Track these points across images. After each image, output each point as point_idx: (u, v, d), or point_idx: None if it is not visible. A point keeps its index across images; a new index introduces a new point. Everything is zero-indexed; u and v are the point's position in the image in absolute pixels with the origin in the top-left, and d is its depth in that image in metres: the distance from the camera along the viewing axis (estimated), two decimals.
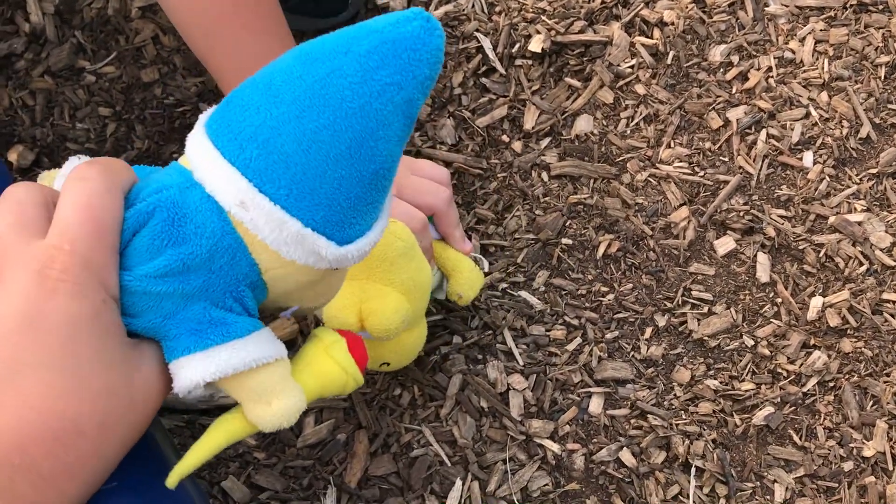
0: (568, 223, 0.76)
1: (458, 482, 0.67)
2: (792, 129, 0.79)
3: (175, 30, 0.83)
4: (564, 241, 0.75)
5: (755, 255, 0.74)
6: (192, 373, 0.37)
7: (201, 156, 0.38)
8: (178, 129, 0.80)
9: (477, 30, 0.83)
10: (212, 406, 0.68)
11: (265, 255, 0.38)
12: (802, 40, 0.82)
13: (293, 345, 0.70)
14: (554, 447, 0.68)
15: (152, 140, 0.79)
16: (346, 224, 0.38)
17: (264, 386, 0.39)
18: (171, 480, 0.38)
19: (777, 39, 0.82)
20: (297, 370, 0.42)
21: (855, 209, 0.76)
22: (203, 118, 0.39)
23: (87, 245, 0.37)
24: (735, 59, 0.81)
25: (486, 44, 0.82)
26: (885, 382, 0.70)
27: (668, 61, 0.81)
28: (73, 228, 0.37)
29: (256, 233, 0.38)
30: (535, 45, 0.81)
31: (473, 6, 0.84)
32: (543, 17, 0.83)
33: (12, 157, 0.77)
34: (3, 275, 0.36)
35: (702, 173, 0.77)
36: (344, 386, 0.43)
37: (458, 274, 0.68)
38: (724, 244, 0.75)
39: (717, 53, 0.81)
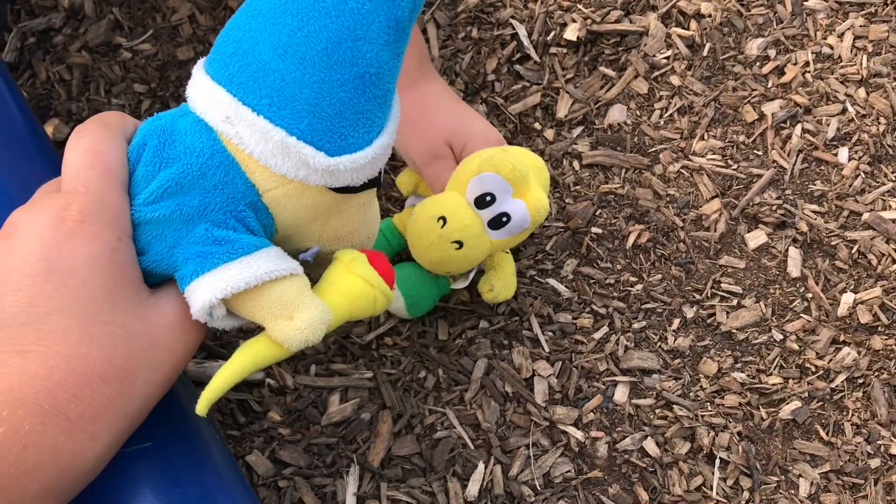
0: (598, 212, 0.76)
1: (481, 465, 0.67)
2: (828, 125, 0.78)
3: (211, 8, 0.84)
4: (594, 230, 0.75)
5: (786, 250, 0.74)
6: (204, 294, 0.37)
7: (193, 82, 0.39)
8: None
9: (512, 17, 0.83)
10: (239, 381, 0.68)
11: (259, 172, 0.38)
12: (841, 36, 0.81)
13: None
14: (577, 434, 0.68)
15: None
16: (334, 133, 0.37)
17: (283, 300, 0.38)
18: (201, 407, 0.39)
19: (815, 34, 0.81)
20: (321, 291, 0.41)
21: (889, 206, 0.75)
22: (203, 58, 0.40)
23: (99, 185, 0.38)
24: (772, 52, 0.81)
25: (522, 31, 0.82)
26: None
27: (705, 53, 0.81)
28: (83, 172, 0.38)
29: (244, 147, 0.37)
30: (571, 33, 0.81)
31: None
32: (580, 6, 0.82)
33: (48, 129, 0.78)
34: (23, 224, 0.37)
35: (735, 166, 0.77)
36: (374, 301, 0.41)
37: (501, 270, 0.68)
38: (756, 238, 0.74)
39: (753, 47, 0.81)
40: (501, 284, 0.68)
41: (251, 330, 0.41)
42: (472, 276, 0.69)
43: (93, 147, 0.39)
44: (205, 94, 0.38)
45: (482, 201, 0.61)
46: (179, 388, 0.44)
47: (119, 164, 0.39)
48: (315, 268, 0.43)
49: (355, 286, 0.41)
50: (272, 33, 0.36)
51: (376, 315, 0.42)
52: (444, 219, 0.62)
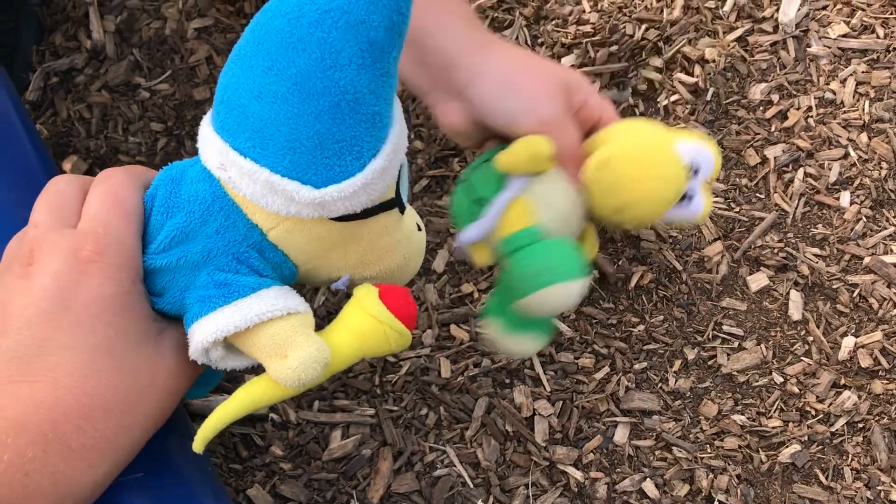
0: (600, 253, 0.77)
1: None
2: (830, 169, 0.79)
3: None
4: (596, 270, 0.76)
5: (788, 293, 0.74)
6: (199, 336, 0.39)
7: (201, 133, 0.40)
8: None
9: None
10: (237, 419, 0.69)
11: (257, 212, 0.39)
12: (843, 81, 0.82)
13: None
14: (577, 475, 0.68)
15: None
16: (318, 165, 0.37)
17: (276, 339, 0.38)
18: (197, 444, 0.39)
19: (818, 80, 0.82)
20: (332, 329, 0.41)
21: (891, 250, 0.75)
22: None
23: (117, 227, 0.40)
24: (775, 97, 0.82)
25: None
26: None
27: (708, 97, 0.82)
28: (103, 214, 0.40)
29: (237, 190, 0.38)
30: (567, 62, 0.83)
31: (517, 38, 0.86)
32: (584, 45, 0.84)
33: (66, 166, 0.81)
34: (40, 259, 0.39)
35: (737, 209, 0.78)
36: (385, 339, 0.40)
37: (587, 239, 0.61)
38: (758, 280, 0.75)
39: (757, 92, 0.82)
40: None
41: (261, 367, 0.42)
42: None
43: (115, 192, 0.41)
44: (204, 142, 0.40)
45: (691, 169, 0.55)
46: (174, 419, 0.46)
47: (137, 211, 0.41)
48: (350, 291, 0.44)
49: (364, 323, 0.40)
50: (248, 76, 0.37)
51: (397, 351, 0.42)
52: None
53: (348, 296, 0.43)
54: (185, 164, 0.42)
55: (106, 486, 0.39)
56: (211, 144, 0.39)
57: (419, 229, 0.46)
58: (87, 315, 0.38)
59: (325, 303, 0.75)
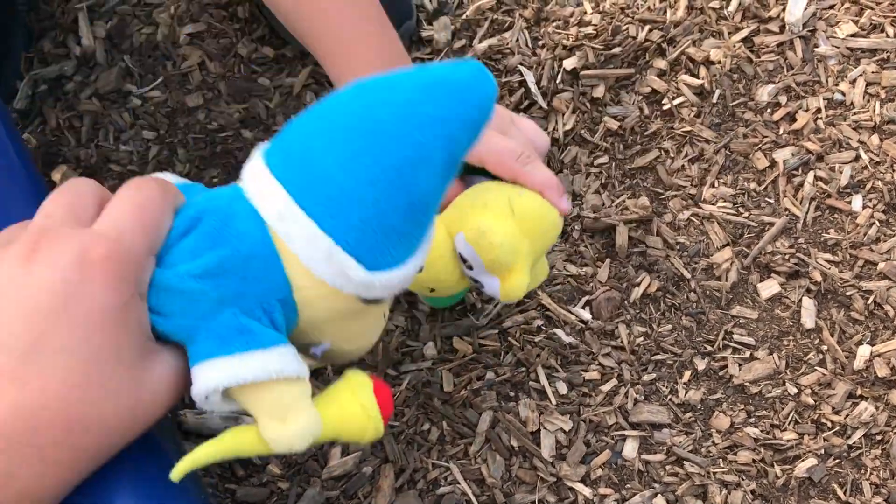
0: (605, 260, 0.75)
1: None
2: (841, 172, 0.76)
3: (221, 56, 0.84)
4: (601, 279, 0.74)
5: (800, 300, 0.72)
6: (211, 376, 0.38)
7: (251, 172, 0.40)
8: (219, 155, 0.81)
9: (521, 63, 0.82)
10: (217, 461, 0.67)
11: (298, 271, 0.39)
12: (853, 82, 0.80)
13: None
14: (585, 491, 0.66)
15: (193, 164, 0.80)
16: (377, 250, 0.39)
17: (282, 401, 0.38)
18: (175, 474, 0.38)
19: (827, 81, 0.80)
20: (321, 403, 0.41)
21: None
22: (262, 145, 0.41)
23: (132, 238, 0.38)
24: (783, 99, 0.80)
25: (530, 77, 0.81)
26: None
27: (714, 100, 0.80)
28: (122, 221, 0.39)
29: (290, 245, 0.38)
30: (569, 64, 0.81)
31: (518, 40, 0.84)
32: (587, 47, 0.82)
33: (56, 176, 0.79)
34: (47, 249, 0.37)
35: (746, 214, 0.76)
36: (363, 430, 0.42)
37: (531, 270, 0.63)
38: (768, 287, 0.73)
39: (764, 93, 0.80)
40: (532, 281, 0.62)
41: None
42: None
43: (142, 203, 0.40)
44: (262, 186, 0.40)
45: (462, 260, 0.59)
46: (161, 441, 0.44)
47: (159, 227, 0.40)
48: (320, 361, 0.44)
49: (353, 412, 0.42)
50: (340, 148, 0.38)
51: (360, 444, 0.44)
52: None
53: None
54: (230, 196, 0.41)
55: (65, 496, 0.38)
56: (273, 194, 0.39)
57: (383, 318, 0.48)
58: (86, 321, 0.36)
59: None
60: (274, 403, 0.38)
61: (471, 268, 0.59)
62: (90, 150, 0.81)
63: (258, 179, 0.40)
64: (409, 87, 0.38)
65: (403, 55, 0.69)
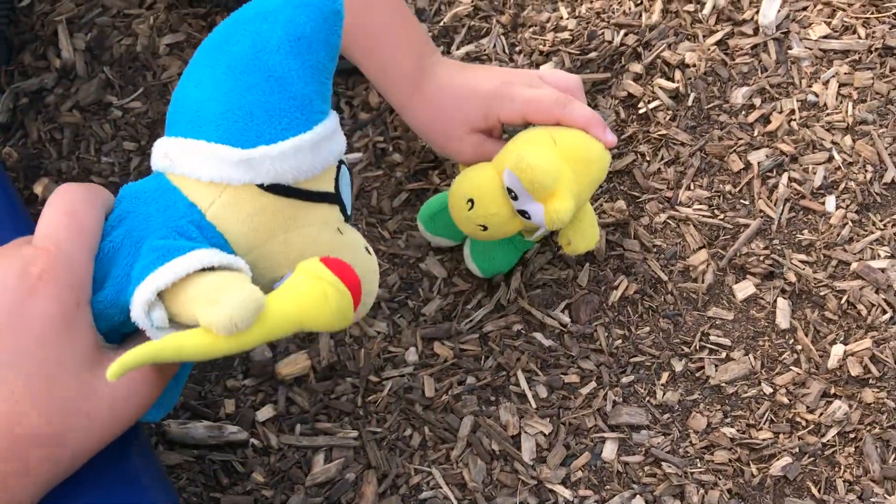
0: (585, 264, 0.75)
1: None
2: (814, 173, 0.77)
3: None
4: (580, 282, 0.75)
5: (775, 301, 0.73)
6: (143, 290, 0.38)
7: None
8: None
9: None
10: (222, 442, 0.68)
11: (195, 190, 0.42)
12: (826, 83, 0.81)
13: None
14: (566, 493, 0.67)
15: None
16: (248, 132, 0.41)
17: (209, 286, 0.38)
18: (111, 373, 0.36)
19: (800, 82, 0.81)
20: (272, 293, 0.40)
21: (878, 255, 0.74)
22: None
23: (70, 246, 0.39)
24: (757, 101, 0.81)
25: None
26: None
27: (689, 103, 0.81)
28: (57, 231, 0.40)
29: (176, 170, 0.42)
30: (546, 69, 0.82)
31: (495, 46, 0.85)
32: (563, 53, 0.83)
33: (38, 189, 0.79)
34: None
35: (721, 216, 0.77)
36: (325, 298, 0.39)
37: (578, 222, 0.68)
38: (744, 289, 0.74)
39: (738, 95, 0.81)
40: (580, 237, 0.68)
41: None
42: (544, 230, 0.66)
43: (72, 209, 0.41)
44: (153, 148, 0.45)
45: (508, 192, 0.63)
46: (133, 450, 0.44)
47: (92, 230, 0.41)
48: None
49: (302, 280, 0.40)
50: (191, 72, 0.43)
51: (343, 322, 0.40)
52: (472, 201, 0.64)
53: None
54: (147, 178, 0.46)
55: None
56: (158, 146, 0.44)
57: (368, 252, 0.47)
58: (30, 335, 0.37)
59: None
60: (203, 291, 0.38)
61: (516, 198, 0.63)
62: (72, 163, 0.81)
63: (154, 146, 0.45)
64: (248, 7, 0.43)
65: (430, 45, 0.73)
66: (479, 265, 0.72)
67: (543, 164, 0.61)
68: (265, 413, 0.70)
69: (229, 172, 0.41)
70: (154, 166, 0.44)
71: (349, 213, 0.47)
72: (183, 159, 0.42)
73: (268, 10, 0.42)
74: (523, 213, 0.64)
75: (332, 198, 0.45)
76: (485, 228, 0.65)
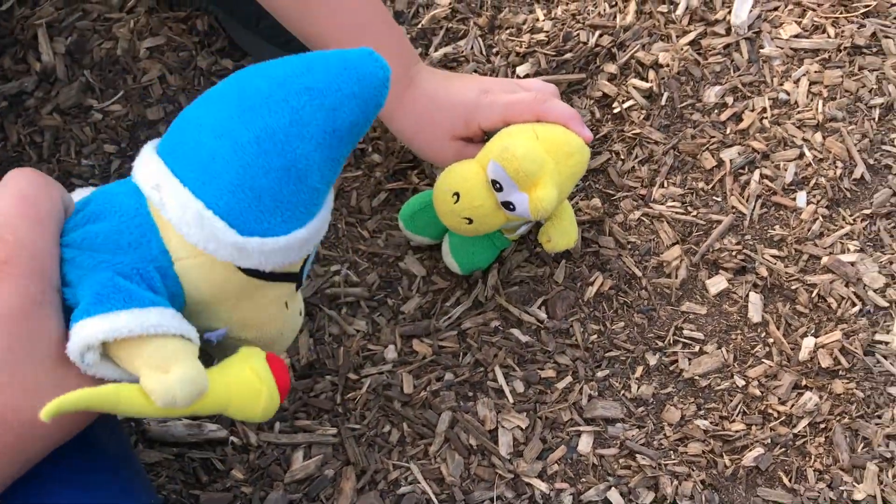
0: (561, 261, 0.76)
1: None
2: (785, 170, 0.79)
3: (181, 69, 0.86)
4: (557, 279, 0.76)
5: (747, 295, 0.74)
6: (86, 331, 0.37)
7: (140, 156, 0.43)
8: None
9: (476, 70, 0.84)
10: (201, 440, 0.68)
11: (174, 239, 0.40)
12: (797, 82, 0.82)
13: None
14: (542, 486, 0.68)
15: None
16: (249, 214, 0.39)
17: (163, 352, 0.38)
18: (45, 413, 0.36)
19: (772, 81, 0.83)
20: (212, 370, 0.41)
21: (848, 249, 0.75)
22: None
23: (28, 234, 0.38)
24: (729, 100, 0.82)
25: None
26: (876, 424, 0.69)
27: (663, 102, 0.82)
28: (12, 220, 0.39)
29: (165, 214, 0.40)
30: (522, 70, 0.83)
31: (472, 48, 0.86)
32: (538, 54, 0.84)
33: None
34: None
35: (695, 213, 0.78)
36: (256, 395, 0.41)
37: (558, 220, 0.70)
38: (717, 284, 0.75)
39: (711, 94, 0.82)
40: (559, 234, 0.70)
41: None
42: (524, 228, 0.71)
43: (25, 194, 0.39)
44: (143, 162, 0.41)
45: (493, 185, 0.65)
46: (105, 439, 0.45)
47: (51, 214, 0.40)
48: (219, 352, 0.44)
49: (243, 374, 0.42)
50: (215, 116, 0.40)
51: (259, 418, 0.43)
52: (457, 195, 0.66)
53: None
54: (121, 182, 0.43)
55: None
56: (149, 164, 0.41)
57: (300, 315, 0.48)
58: None
59: None
60: (155, 354, 0.38)
61: (501, 189, 0.64)
62: (52, 165, 0.82)
63: (141, 158, 0.42)
64: (291, 62, 0.40)
65: (414, 54, 0.73)
66: (459, 261, 0.73)
67: (528, 152, 0.63)
68: None
69: (215, 248, 0.40)
70: (138, 182, 0.42)
71: (302, 284, 0.47)
72: (174, 208, 0.40)
73: (317, 87, 0.39)
74: (507, 205, 0.65)
75: (294, 277, 0.45)
76: (470, 222, 0.67)
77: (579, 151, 0.68)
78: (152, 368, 0.38)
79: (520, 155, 0.62)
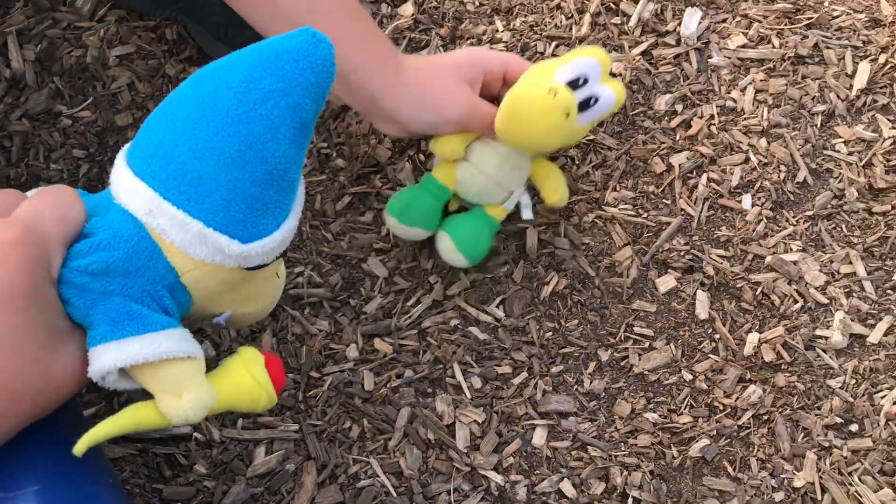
0: (518, 262, 0.79)
1: None
2: (732, 174, 0.82)
3: (150, 76, 0.88)
4: (514, 279, 0.78)
5: (695, 293, 0.77)
6: (105, 359, 0.41)
7: (116, 175, 0.44)
8: None
9: None
10: (165, 435, 0.70)
11: (179, 257, 0.43)
12: (743, 90, 0.86)
13: None
14: (497, 478, 0.70)
15: None
16: (247, 224, 0.42)
17: (177, 378, 0.42)
18: (79, 448, 0.41)
19: (719, 89, 0.86)
20: (215, 376, 0.45)
21: (791, 249, 0.79)
22: (125, 148, 0.44)
23: (49, 227, 0.41)
24: (679, 107, 0.85)
25: None
26: (815, 415, 0.73)
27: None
28: (41, 210, 0.42)
29: (166, 236, 0.42)
30: None
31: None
32: None
33: None
34: None
35: (645, 215, 0.81)
36: (257, 399, 0.46)
37: (556, 176, 0.76)
38: (666, 282, 0.78)
39: (662, 102, 0.85)
40: (562, 187, 0.76)
41: None
42: (516, 199, 0.76)
43: (62, 200, 0.43)
44: (129, 188, 0.43)
45: (575, 84, 0.68)
46: (70, 430, 0.46)
47: (73, 222, 0.43)
48: (228, 325, 0.48)
49: (245, 382, 0.45)
50: (190, 137, 0.41)
51: (255, 412, 0.47)
52: (554, 91, 0.67)
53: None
54: (101, 199, 0.44)
55: None
56: (139, 193, 0.42)
57: (284, 276, 0.52)
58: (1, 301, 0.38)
59: None
60: (168, 380, 0.42)
61: (584, 84, 0.68)
62: (20, 170, 0.83)
63: (123, 180, 0.43)
64: (245, 65, 0.41)
65: (395, 52, 0.72)
66: (467, 254, 0.73)
67: (589, 49, 0.71)
68: None
69: (222, 259, 0.42)
70: (127, 206, 0.43)
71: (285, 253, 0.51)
72: (175, 231, 0.41)
73: (279, 88, 0.41)
74: (586, 103, 0.68)
75: (283, 252, 0.48)
76: (567, 115, 0.67)
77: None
78: (167, 393, 0.42)
79: (589, 48, 0.70)
